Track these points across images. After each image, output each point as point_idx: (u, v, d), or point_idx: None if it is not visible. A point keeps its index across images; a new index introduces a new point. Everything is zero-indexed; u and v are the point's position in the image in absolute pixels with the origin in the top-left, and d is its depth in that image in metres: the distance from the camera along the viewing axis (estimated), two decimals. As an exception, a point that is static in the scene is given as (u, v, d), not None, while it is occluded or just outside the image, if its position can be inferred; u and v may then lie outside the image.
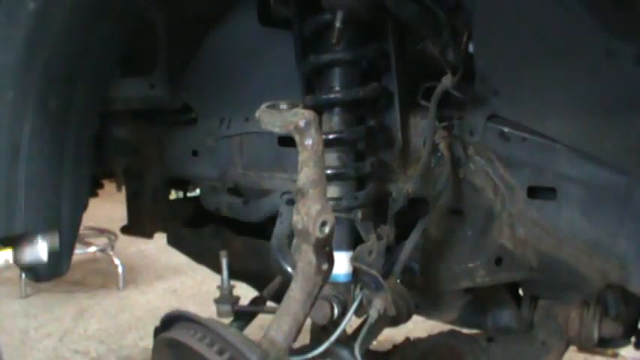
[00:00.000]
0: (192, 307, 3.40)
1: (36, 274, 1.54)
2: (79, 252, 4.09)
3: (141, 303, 4.27)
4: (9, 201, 1.38)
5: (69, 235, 1.56)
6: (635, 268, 1.29)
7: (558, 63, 1.22)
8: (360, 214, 1.45)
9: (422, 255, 1.52)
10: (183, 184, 2.11)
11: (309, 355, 1.28)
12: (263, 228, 1.83)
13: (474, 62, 1.31)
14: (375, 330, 1.47)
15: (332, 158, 1.43)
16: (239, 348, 1.08)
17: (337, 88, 1.45)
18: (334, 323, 1.34)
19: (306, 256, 1.11)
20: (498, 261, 1.46)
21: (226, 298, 1.59)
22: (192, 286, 4.52)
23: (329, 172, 1.39)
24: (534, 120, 1.33)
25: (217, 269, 1.68)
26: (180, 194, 2.20)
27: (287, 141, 1.65)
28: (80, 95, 1.48)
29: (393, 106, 1.47)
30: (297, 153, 1.05)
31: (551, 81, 1.26)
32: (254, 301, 1.73)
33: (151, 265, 5.02)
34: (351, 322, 1.35)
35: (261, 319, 1.56)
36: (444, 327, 1.76)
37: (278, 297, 1.62)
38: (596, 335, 1.48)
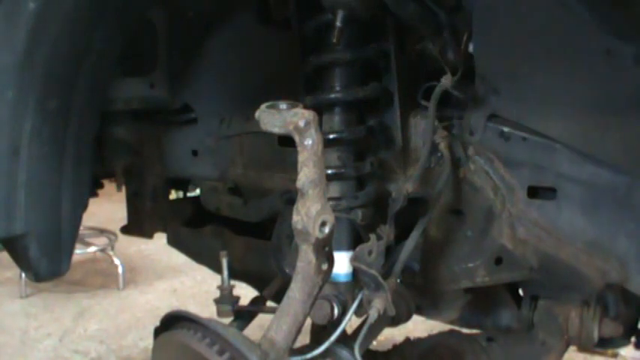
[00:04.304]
0: (192, 307, 3.41)
1: (36, 274, 1.54)
2: (79, 252, 4.08)
3: (141, 303, 4.27)
4: (9, 201, 1.38)
5: (69, 235, 1.56)
6: (635, 268, 1.29)
7: (558, 63, 1.22)
8: (360, 214, 1.45)
9: (422, 255, 1.52)
10: (183, 184, 2.11)
11: (309, 355, 1.28)
12: (263, 228, 1.83)
13: (474, 62, 1.31)
14: (375, 330, 1.47)
15: (332, 158, 1.43)
16: (239, 348, 1.08)
17: (337, 88, 1.45)
18: (334, 323, 1.34)
19: (306, 256, 1.11)
20: (498, 261, 1.46)
21: (226, 298, 1.59)
22: (192, 286, 4.52)
23: (329, 172, 1.39)
24: (534, 120, 1.33)
25: (217, 269, 1.68)
26: (180, 194, 2.20)
27: (287, 141, 1.65)
28: (80, 95, 1.47)
29: (393, 106, 1.47)
30: (297, 153, 1.05)
31: (551, 81, 1.26)
32: (254, 301, 1.73)
33: (150, 265, 5.01)
34: (351, 322, 1.35)
35: (261, 319, 1.56)
36: (444, 327, 1.76)
37: (278, 297, 1.62)
38: (596, 335, 1.48)
